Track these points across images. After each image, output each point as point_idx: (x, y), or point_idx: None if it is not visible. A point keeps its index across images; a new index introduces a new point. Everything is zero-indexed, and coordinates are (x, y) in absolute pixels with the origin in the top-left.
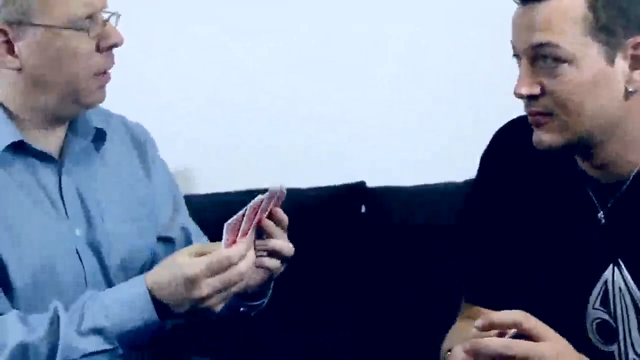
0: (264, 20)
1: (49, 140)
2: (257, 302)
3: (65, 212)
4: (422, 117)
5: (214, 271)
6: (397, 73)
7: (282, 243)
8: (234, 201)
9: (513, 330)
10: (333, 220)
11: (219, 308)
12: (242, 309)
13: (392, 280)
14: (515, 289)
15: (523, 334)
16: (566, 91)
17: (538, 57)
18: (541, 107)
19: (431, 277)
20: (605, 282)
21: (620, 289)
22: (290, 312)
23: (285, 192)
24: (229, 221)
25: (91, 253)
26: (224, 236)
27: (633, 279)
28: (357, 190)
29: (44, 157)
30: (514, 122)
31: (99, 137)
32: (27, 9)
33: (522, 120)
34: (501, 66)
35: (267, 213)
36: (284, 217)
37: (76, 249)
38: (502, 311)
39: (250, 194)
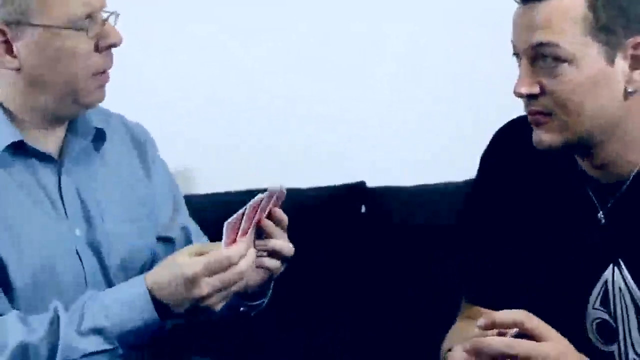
0: (264, 19)
1: (49, 141)
2: (257, 302)
3: (65, 212)
4: (422, 117)
5: (213, 270)
6: (397, 73)
7: (282, 243)
8: (234, 201)
9: (514, 330)
10: (333, 220)
11: (219, 307)
12: (242, 308)
13: (392, 280)
14: (515, 289)
15: (524, 334)
16: (566, 91)
17: (538, 56)
18: (541, 106)
19: (431, 277)
20: (605, 282)
21: (620, 288)
22: (290, 312)
23: (285, 192)
24: (229, 220)
25: (91, 253)
26: (224, 235)
27: (633, 279)
28: (357, 190)
29: (43, 157)
30: (514, 122)
31: (99, 137)
32: (26, 9)
33: (522, 120)
34: (501, 66)
35: (266, 213)
36: (284, 217)
37: (76, 249)
38: (504, 310)
39: (250, 194)
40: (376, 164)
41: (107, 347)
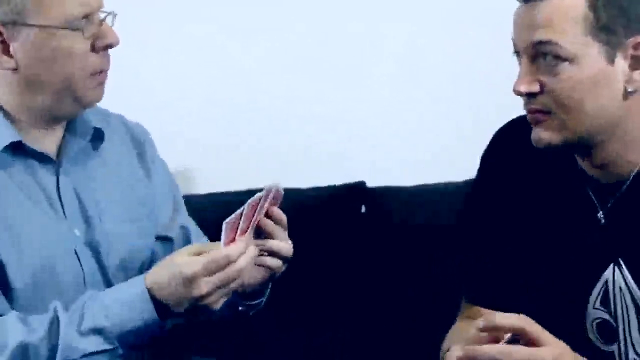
0: (264, 19)
1: (47, 141)
2: (256, 302)
3: (64, 212)
4: (422, 117)
5: (212, 270)
6: (396, 73)
7: (280, 243)
8: (234, 201)
9: (508, 335)
10: (333, 220)
11: (218, 306)
12: (240, 307)
13: (392, 280)
14: (515, 289)
15: (517, 338)
16: (566, 89)
17: (538, 54)
18: (540, 105)
19: (431, 277)
20: (606, 281)
21: (620, 288)
22: (290, 312)
23: (281, 190)
24: (228, 219)
25: (90, 253)
26: (223, 234)
27: (633, 279)
28: (357, 190)
29: (41, 157)
30: (514, 122)
31: (97, 136)
32: (22, 9)
33: (522, 120)
34: (501, 66)
35: (264, 212)
36: (283, 217)
37: (75, 250)
38: (504, 314)
39: (250, 194)
40: (376, 164)
41: (107, 347)
